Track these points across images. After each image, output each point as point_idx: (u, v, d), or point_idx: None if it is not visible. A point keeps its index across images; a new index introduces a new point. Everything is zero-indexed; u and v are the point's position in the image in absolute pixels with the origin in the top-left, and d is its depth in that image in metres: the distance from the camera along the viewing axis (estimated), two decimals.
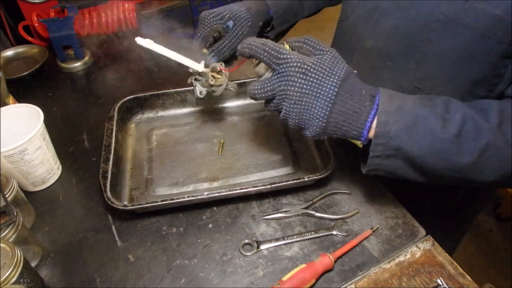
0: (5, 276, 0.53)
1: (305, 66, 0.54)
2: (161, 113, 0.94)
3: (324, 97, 0.54)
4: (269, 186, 0.70)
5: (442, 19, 0.60)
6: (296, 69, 0.54)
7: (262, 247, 0.67)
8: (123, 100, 0.89)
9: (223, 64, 0.75)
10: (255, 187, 0.70)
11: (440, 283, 0.61)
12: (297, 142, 0.85)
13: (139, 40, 0.69)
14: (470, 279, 0.62)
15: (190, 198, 0.69)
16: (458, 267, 0.63)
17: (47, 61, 1.12)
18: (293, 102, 0.55)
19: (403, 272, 0.64)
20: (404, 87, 0.69)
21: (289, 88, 0.55)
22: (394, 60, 0.69)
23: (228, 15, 0.76)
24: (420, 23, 0.63)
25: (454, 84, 0.64)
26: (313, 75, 0.54)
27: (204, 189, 0.76)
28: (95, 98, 1.02)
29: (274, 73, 0.56)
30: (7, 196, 0.65)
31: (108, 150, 0.78)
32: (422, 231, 0.69)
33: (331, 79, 0.54)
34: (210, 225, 0.71)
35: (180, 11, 1.19)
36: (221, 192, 0.69)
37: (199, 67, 0.74)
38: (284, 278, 0.60)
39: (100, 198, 0.76)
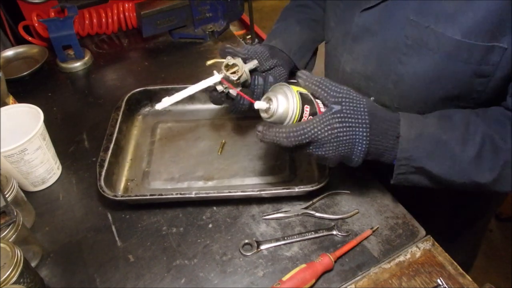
0: (5, 276, 0.53)
1: (339, 120, 0.55)
2: (169, 107, 0.93)
3: (357, 154, 0.57)
4: (257, 192, 0.70)
5: (409, 44, 0.62)
6: (337, 119, 0.55)
7: (262, 247, 0.67)
8: (133, 92, 0.91)
9: (230, 57, 0.71)
10: (243, 191, 0.71)
11: (440, 283, 0.61)
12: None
13: (159, 106, 0.68)
14: (470, 279, 0.62)
15: (178, 196, 0.69)
16: (458, 267, 0.63)
17: (47, 61, 1.12)
18: (333, 149, 0.56)
19: (403, 272, 0.64)
20: (387, 106, 0.71)
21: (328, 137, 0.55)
22: (375, 81, 0.72)
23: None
24: (391, 47, 0.65)
25: (431, 102, 0.67)
26: (342, 142, 0.55)
27: (197, 188, 0.77)
28: (95, 98, 1.02)
29: (314, 118, 0.55)
30: (7, 196, 0.65)
31: (110, 139, 0.78)
32: (422, 231, 0.69)
33: (361, 129, 0.55)
34: (210, 225, 0.71)
35: (180, 11, 1.19)
36: (209, 193, 0.70)
37: (215, 77, 0.70)
38: (284, 278, 0.59)
39: (100, 198, 0.76)
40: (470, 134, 0.57)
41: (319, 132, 0.54)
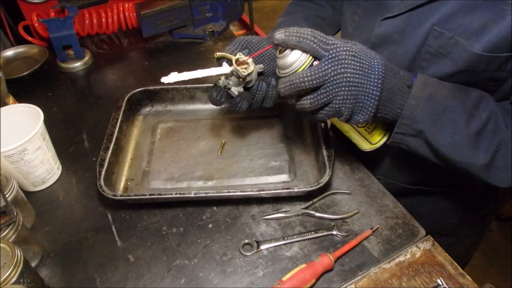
0: (5, 276, 0.53)
1: (353, 49, 0.55)
2: (170, 107, 0.95)
3: (375, 75, 0.55)
4: (257, 192, 0.70)
5: (431, 51, 0.63)
6: (347, 52, 0.54)
7: (262, 247, 0.67)
8: (134, 92, 0.91)
9: (241, 54, 0.71)
10: (243, 191, 0.70)
11: (440, 283, 0.61)
12: (298, 151, 0.84)
13: (165, 79, 0.67)
14: (470, 279, 0.62)
15: (178, 195, 0.69)
16: (458, 267, 0.63)
17: (47, 61, 1.12)
18: (350, 84, 0.55)
19: (403, 272, 0.64)
20: None
21: (344, 70, 0.54)
22: None
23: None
24: (412, 55, 0.65)
25: None
26: (361, 56, 0.55)
27: (197, 187, 0.77)
28: (95, 98, 1.02)
29: (324, 59, 0.55)
30: (7, 196, 0.65)
31: (110, 139, 0.78)
32: (422, 231, 0.69)
33: (376, 60, 0.55)
34: (210, 225, 0.71)
35: (180, 11, 1.19)
36: (208, 193, 0.70)
37: (225, 68, 0.69)
38: (284, 278, 0.60)
39: (100, 198, 0.76)
40: (479, 110, 0.58)
41: (340, 50, 0.54)
